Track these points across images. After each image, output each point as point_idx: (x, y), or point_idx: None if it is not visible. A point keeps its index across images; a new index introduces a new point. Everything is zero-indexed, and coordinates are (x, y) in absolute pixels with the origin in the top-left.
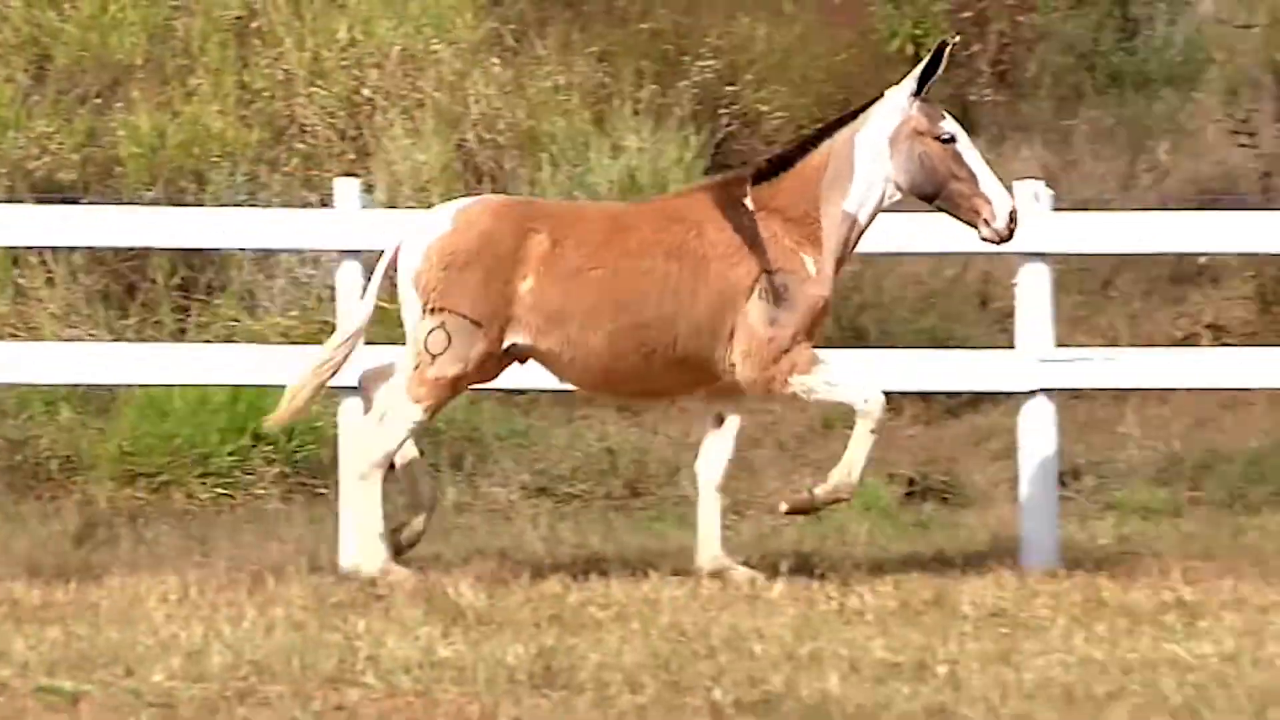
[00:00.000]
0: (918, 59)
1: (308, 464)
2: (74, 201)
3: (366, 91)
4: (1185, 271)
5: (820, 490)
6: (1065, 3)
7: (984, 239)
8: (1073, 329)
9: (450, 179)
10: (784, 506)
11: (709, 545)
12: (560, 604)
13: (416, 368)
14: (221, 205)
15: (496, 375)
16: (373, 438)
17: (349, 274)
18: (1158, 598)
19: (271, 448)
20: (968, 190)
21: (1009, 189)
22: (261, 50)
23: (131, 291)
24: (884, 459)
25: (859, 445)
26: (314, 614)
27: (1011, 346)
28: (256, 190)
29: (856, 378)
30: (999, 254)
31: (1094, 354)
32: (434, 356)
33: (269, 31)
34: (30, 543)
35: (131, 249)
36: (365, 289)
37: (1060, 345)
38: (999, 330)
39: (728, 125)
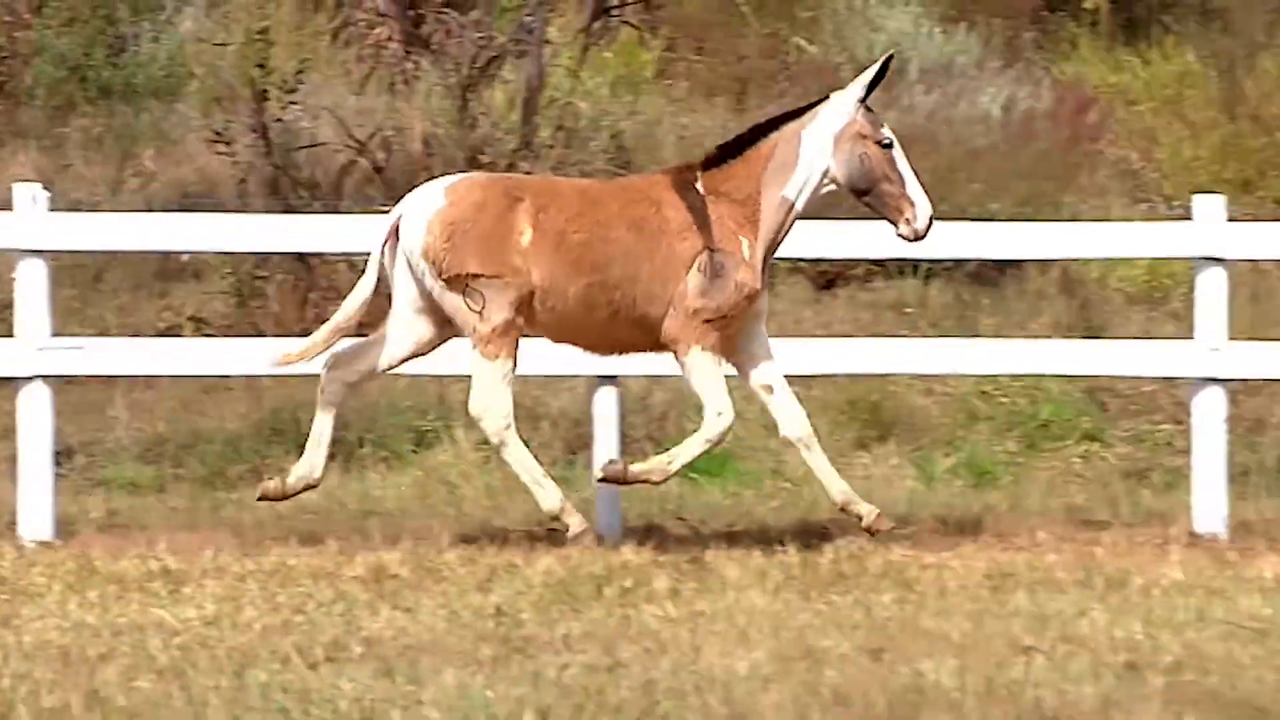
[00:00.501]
0: None
1: None
2: None
3: None
4: (170, 268)
5: (636, 467)
6: (59, 20)
7: (900, 235)
8: (68, 320)
9: None
10: (599, 473)
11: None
12: None
13: (473, 330)
14: None
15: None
16: (485, 405)
17: None
18: (145, 566)
19: None
20: (896, 192)
21: (11, 193)
22: None
23: None
24: None
25: (691, 449)
26: None
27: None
28: None
29: (724, 390)
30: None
31: (87, 343)
32: (479, 312)
33: None
34: None
35: None
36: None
37: (57, 334)
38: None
39: None
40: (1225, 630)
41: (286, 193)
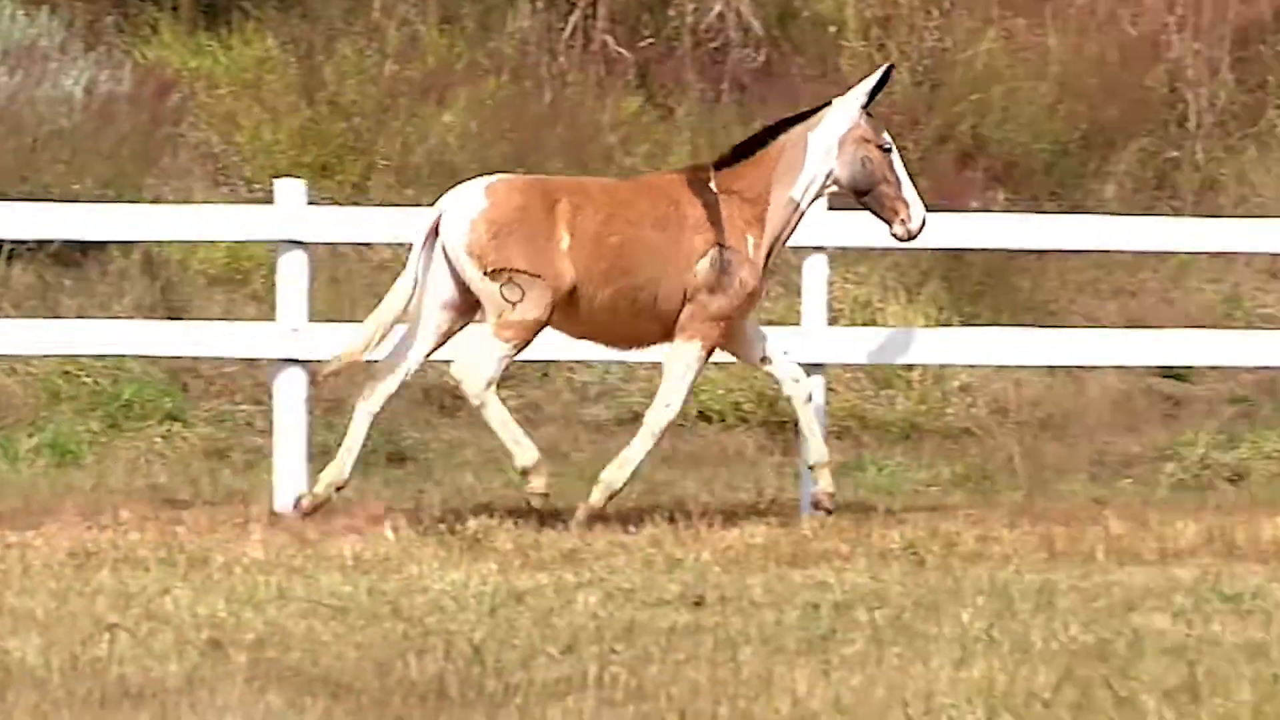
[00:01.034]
0: None
1: None
2: None
3: None
4: None
5: (594, 498)
6: None
7: (894, 235)
8: None
9: None
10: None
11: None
12: None
13: (498, 315)
14: None
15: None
16: (469, 367)
17: None
18: None
19: None
20: (893, 193)
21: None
22: None
23: None
24: None
25: (640, 445)
26: None
27: None
28: None
29: (688, 388)
30: None
31: None
32: (513, 304)
33: None
34: None
35: None
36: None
37: None
38: None
39: None
40: (306, 607)
41: None
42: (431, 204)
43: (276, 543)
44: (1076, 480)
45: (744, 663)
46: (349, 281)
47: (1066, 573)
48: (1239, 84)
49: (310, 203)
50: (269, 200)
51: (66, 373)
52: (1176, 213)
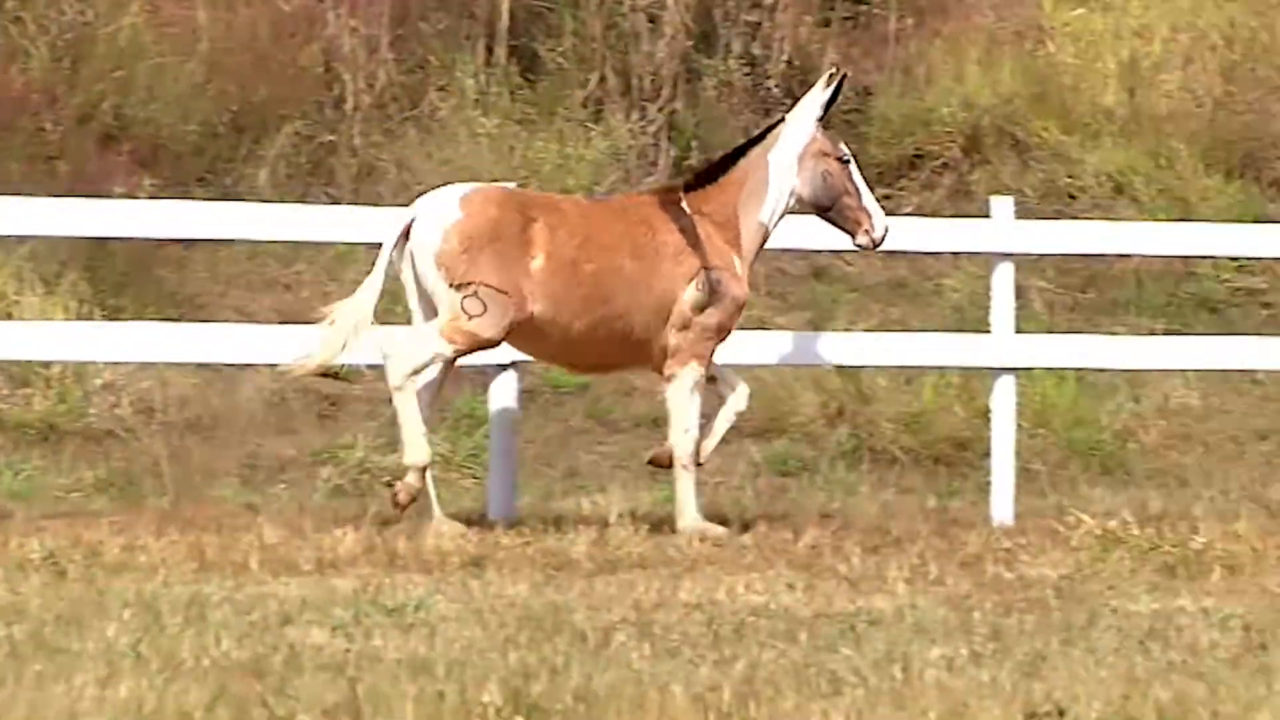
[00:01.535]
0: None
1: None
2: None
3: None
4: None
5: (682, 527)
6: None
7: (859, 244)
8: None
9: None
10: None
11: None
12: None
13: (452, 319)
14: None
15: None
16: (400, 352)
17: None
18: None
19: None
20: (855, 204)
21: None
22: None
23: None
24: None
25: (684, 487)
26: None
27: None
28: None
29: (695, 412)
30: None
31: None
32: (471, 316)
33: None
34: None
35: None
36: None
37: None
38: None
39: None
40: None
41: None
42: None
43: None
44: (228, 485)
45: None
46: None
47: (218, 584)
48: (398, 64)
49: None
50: None
51: None
52: (334, 200)
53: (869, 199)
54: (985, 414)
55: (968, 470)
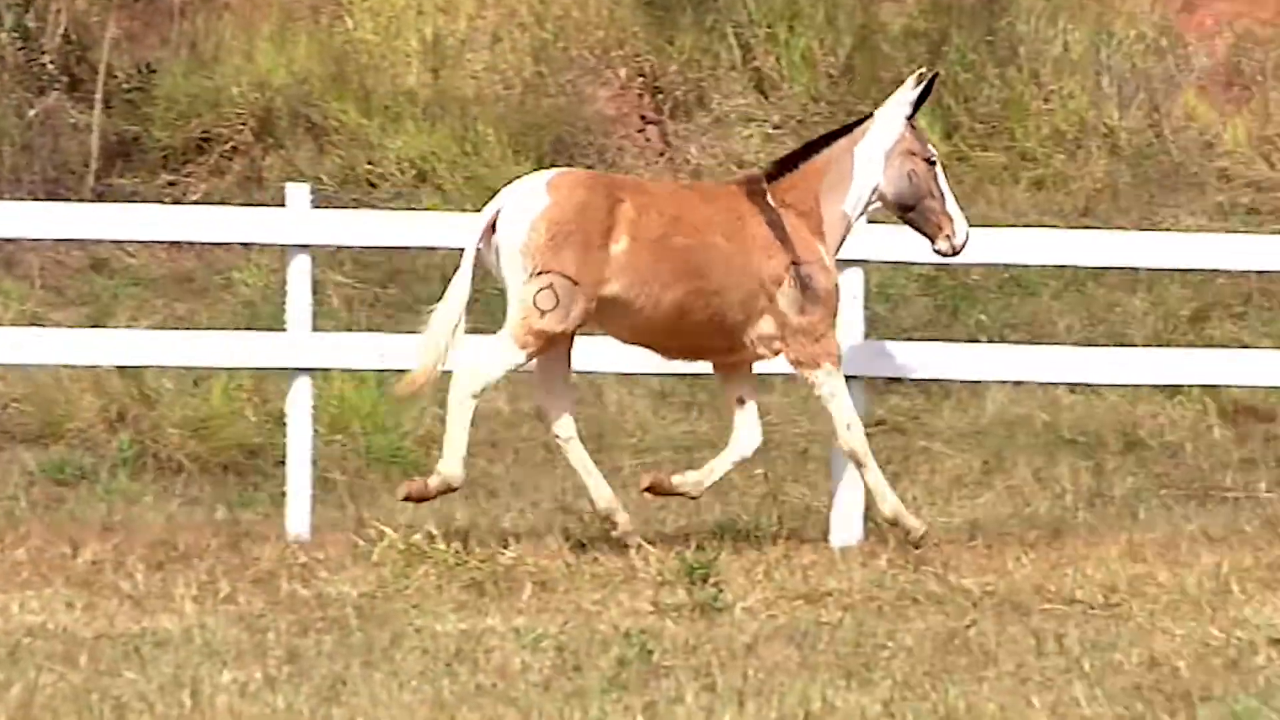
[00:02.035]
0: None
1: None
2: None
3: None
4: None
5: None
6: None
7: (938, 250)
8: None
9: None
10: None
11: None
12: None
13: (524, 319)
14: None
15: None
16: (469, 374)
17: None
18: None
19: None
20: (938, 208)
21: None
22: None
23: None
24: None
25: (873, 476)
26: None
27: None
28: None
29: (849, 398)
30: None
31: None
32: (544, 312)
33: None
34: None
35: None
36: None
37: None
38: None
39: None
40: None
41: None
42: None
43: None
44: None
45: None
46: None
47: None
48: None
49: None
50: None
51: None
52: None
53: (952, 203)
54: (280, 418)
55: (260, 479)
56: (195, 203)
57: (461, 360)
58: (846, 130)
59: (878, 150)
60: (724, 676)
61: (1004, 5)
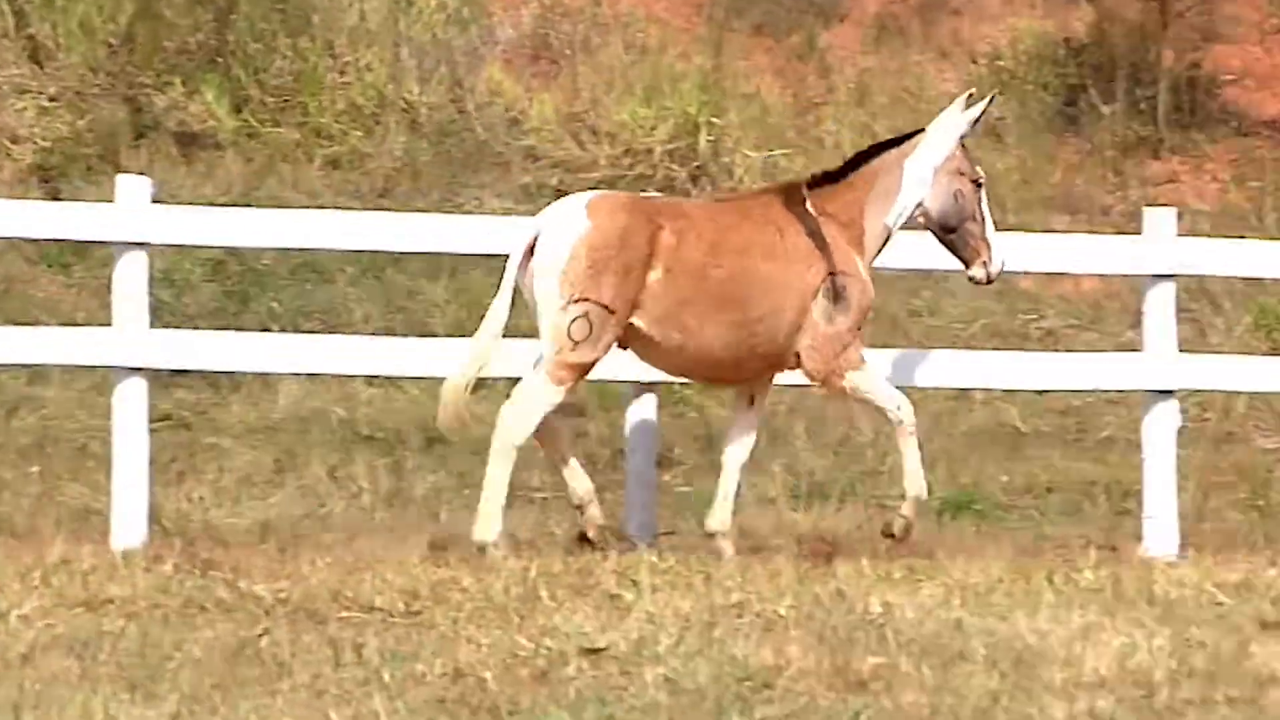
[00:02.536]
0: None
1: None
2: None
3: None
4: None
5: (906, 510)
6: None
7: (972, 277)
8: None
9: None
10: (894, 531)
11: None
12: None
13: (558, 352)
14: None
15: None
16: (513, 419)
17: None
18: None
19: None
20: (978, 232)
21: None
22: None
23: None
24: None
25: (910, 457)
26: None
27: None
28: None
29: (888, 384)
30: None
31: None
32: (576, 344)
33: None
34: None
35: None
36: (500, 284)
37: None
38: None
39: None
40: None
41: None
42: None
43: None
44: None
45: None
46: None
47: None
48: None
49: None
50: None
51: None
52: None
53: (991, 230)
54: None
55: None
56: None
57: (503, 410)
58: (895, 142)
59: (928, 166)
60: None
61: None
